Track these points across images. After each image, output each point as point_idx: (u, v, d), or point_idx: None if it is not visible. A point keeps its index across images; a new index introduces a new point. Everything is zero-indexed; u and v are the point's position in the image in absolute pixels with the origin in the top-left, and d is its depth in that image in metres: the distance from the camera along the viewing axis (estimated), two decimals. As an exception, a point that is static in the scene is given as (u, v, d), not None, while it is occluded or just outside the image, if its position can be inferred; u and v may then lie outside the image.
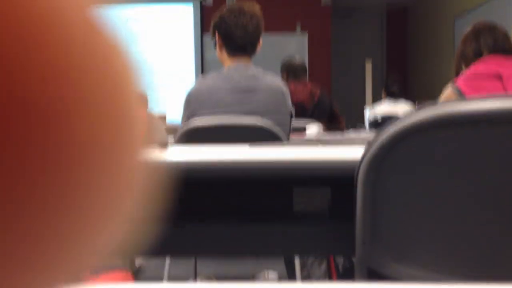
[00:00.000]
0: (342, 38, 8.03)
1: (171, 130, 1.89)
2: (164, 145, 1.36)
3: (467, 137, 0.71)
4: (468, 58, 2.08)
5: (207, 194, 1.34)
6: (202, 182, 1.33)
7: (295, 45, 7.10)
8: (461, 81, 1.96)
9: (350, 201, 0.86)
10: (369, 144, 0.76)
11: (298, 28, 7.19)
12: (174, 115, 6.14)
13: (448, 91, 2.00)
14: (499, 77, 1.87)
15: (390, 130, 0.74)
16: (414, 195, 0.74)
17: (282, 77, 3.60)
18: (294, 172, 1.03)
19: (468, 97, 1.71)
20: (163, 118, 5.15)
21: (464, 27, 2.20)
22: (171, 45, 7.20)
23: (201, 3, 7.11)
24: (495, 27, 2.09)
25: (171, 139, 1.74)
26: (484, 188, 0.72)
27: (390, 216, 0.76)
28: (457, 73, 2.11)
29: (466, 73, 1.99)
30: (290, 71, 3.61)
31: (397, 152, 0.74)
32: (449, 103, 0.71)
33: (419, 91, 7.45)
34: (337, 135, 2.90)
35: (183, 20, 7.20)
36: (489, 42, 2.03)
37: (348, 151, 1.10)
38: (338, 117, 3.57)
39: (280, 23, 6.97)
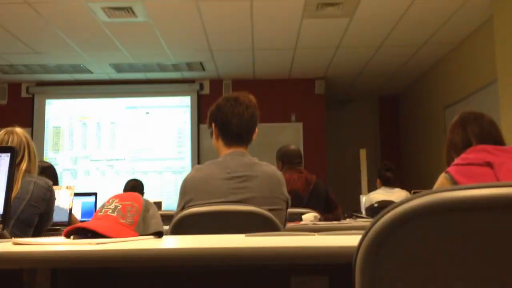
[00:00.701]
0: (336, 127, 8.20)
1: (167, 217, 1.87)
2: (159, 232, 1.35)
3: (463, 223, 0.71)
4: (457, 147, 2.11)
5: (200, 283, 1.31)
6: (197, 271, 1.30)
7: (290, 134, 7.23)
8: (453, 169, 1.98)
9: (349, 290, 0.84)
10: (366, 231, 0.75)
11: (293, 118, 7.35)
12: (171, 202, 6.10)
13: (441, 179, 2.01)
14: (489, 165, 1.89)
15: (386, 216, 0.74)
16: (413, 282, 0.73)
17: (278, 165, 3.63)
18: (291, 260, 1.01)
19: (463, 184, 1.71)
20: (159, 205, 5.11)
21: (454, 115, 2.26)
22: (169, 134, 7.32)
23: (198, 93, 7.33)
24: (481, 116, 2.14)
25: (166, 226, 1.71)
26: (481, 274, 0.71)
27: (390, 306, 0.74)
28: (448, 162, 2.13)
29: (458, 161, 2.01)
30: (285, 160, 3.63)
31: (394, 238, 0.73)
32: (445, 190, 0.72)
33: (413, 178, 7.49)
34: (334, 223, 2.88)
35: (181, 110, 7.37)
36: (476, 131, 2.07)
37: (346, 238, 1.09)
38: (335, 205, 3.55)
39: (276, 113, 7.14)
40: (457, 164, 1.99)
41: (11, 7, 4.72)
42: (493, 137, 2.06)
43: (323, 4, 4.77)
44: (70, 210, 3.01)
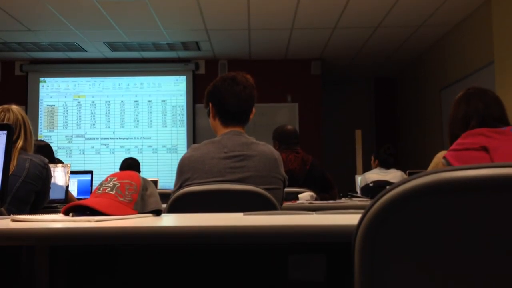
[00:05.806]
0: (332, 107, 8.19)
1: (164, 196, 1.88)
2: (157, 210, 1.35)
3: (463, 203, 0.72)
4: (459, 123, 2.09)
5: (199, 261, 1.31)
6: (194, 249, 1.30)
7: (286, 114, 7.22)
8: (450, 154, 1.97)
9: (347, 268, 0.85)
10: (366, 210, 0.76)
11: (289, 98, 7.33)
12: (166, 181, 6.10)
13: (437, 162, 2.01)
14: (485, 150, 1.89)
15: (387, 196, 0.74)
16: (413, 262, 0.73)
17: (274, 145, 3.62)
18: (289, 239, 1.02)
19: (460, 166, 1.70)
20: (155, 183, 5.12)
21: (450, 97, 2.24)
22: (164, 113, 7.29)
23: (193, 73, 7.28)
24: (486, 92, 2.12)
25: (163, 205, 1.72)
26: (481, 254, 0.72)
27: (389, 285, 0.75)
28: (451, 139, 2.10)
29: (454, 146, 2.01)
30: (282, 140, 3.63)
31: (395, 218, 0.73)
32: (445, 170, 0.72)
33: (408, 159, 7.52)
34: (330, 202, 2.89)
35: (176, 90, 7.33)
36: (480, 106, 2.05)
37: (343, 217, 1.10)
38: (331, 185, 3.56)
39: (272, 94, 7.12)
40: (453, 150, 1.99)
41: (4, -17, 4.65)
42: (496, 113, 2.04)
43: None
44: (67, 187, 3.01)
